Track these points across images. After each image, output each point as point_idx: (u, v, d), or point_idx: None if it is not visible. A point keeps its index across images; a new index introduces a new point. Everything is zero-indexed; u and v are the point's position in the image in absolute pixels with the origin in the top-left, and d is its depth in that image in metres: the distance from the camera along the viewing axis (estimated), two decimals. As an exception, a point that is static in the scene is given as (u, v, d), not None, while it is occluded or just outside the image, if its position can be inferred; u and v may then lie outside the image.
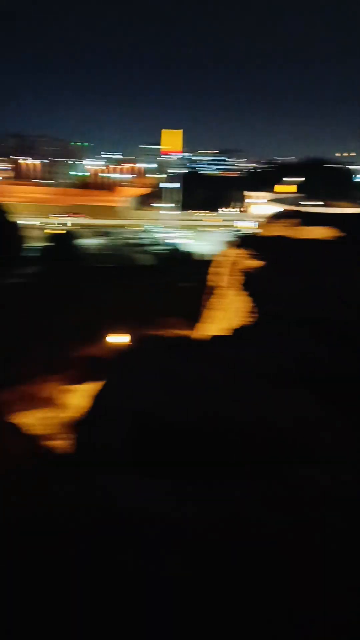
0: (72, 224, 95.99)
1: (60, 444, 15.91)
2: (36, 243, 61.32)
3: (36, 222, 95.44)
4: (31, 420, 20.39)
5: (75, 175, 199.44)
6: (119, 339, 30.94)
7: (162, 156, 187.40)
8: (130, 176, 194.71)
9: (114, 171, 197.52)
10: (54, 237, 64.56)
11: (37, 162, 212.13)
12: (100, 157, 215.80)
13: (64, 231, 75.04)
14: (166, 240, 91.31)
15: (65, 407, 24.97)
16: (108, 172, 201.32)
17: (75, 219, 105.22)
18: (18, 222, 57.81)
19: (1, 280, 53.47)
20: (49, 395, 29.56)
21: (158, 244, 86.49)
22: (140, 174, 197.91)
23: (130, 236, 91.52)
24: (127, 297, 39.86)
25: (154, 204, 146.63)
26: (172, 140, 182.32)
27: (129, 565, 7.53)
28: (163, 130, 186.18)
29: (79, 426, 13.41)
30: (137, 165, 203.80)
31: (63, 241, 62.12)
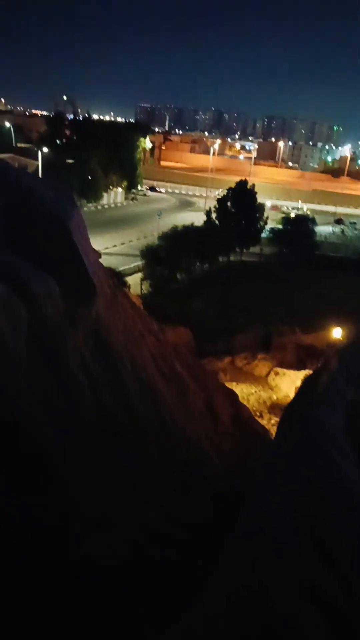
0: (309, 209, 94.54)
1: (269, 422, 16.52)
2: (273, 225, 62.46)
3: (277, 203, 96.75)
4: (245, 393, 21.47)
5: (325, 160, 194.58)
6: (338, 331, 29.99)
7: None
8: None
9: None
10: (288, 221, 64.95)
11: (288, 144, 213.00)
12: (355, 143, 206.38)
13: (300, 215, 74.69)
14: None
15: (276, 388, 25.57)
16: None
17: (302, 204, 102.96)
18: (262, 203, 59.49)
19: (239, 257, 56.52)
20: (260, 373, 30.51)
21: None
22: None
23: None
24: (353, 292, 38.17)
25: None
26: None
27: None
28: None
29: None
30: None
31: (297, 225, 62.10)
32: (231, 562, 3.61)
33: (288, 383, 28.32)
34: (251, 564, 3.25)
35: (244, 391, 27.42)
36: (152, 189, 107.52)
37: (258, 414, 25.15)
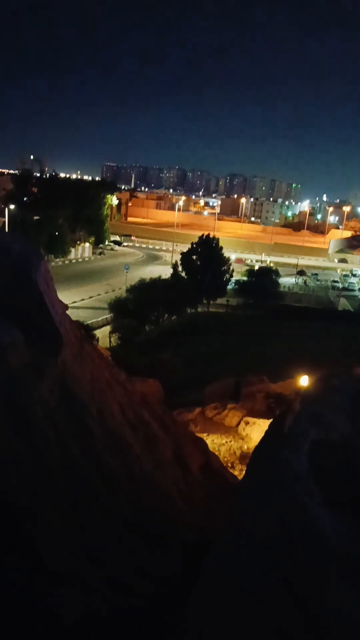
0: (272, 262, 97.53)
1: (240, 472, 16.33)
2: (238, 277, 63.98)
3: (241, 256, 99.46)
4: (215, 443, 21.21)
5: (286, 215, 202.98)
6: (305, 379, 30.38)
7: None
8: (340, 218, 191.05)
9: (326, 213, 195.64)
10: (252, 273, 66.77)
11: (250, 200, 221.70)
12: (313, 199, 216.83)
13: (264, 267, 76.93)
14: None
15: (247, 438, 25.44)
16: (319, 214, 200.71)
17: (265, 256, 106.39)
18: (226, 256, 61.21)
19: (206, 308, 57.38)
20: (230, 423, 30.36)
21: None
22: (355, 217, 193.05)
23: (332, 279, 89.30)
24: (318, 340, 38.99)
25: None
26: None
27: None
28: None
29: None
30: (350, 207, 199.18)
31: (262, 277, 63.85)
32: (200, 608, 3.52)
33: (259, 432, 28.19)
34: (221, 610, 3.18)
35: (214, 442, 27.10)
36: (117, 242, 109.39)
37: (230, 464, 24.82)
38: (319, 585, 3.31)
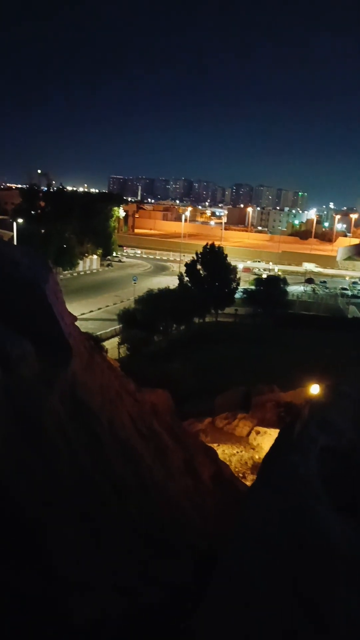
0: (280, 270, 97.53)
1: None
2: (246, 286, 64.00)
3: (248, 265, 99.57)
4: (226, 454, 21.14)
5: (293, 223, 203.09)
6: (315, 388, 30.24)
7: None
8: (347, 226, 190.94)
9: (333, 221, 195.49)
10: (261, 281, 66.71)
11: (256, 209, 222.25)
12: (320, 207, 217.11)
13: (272, 276, 76.89)
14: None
15: (258, 448, 25.33)
16: (326, 222, 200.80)
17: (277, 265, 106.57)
18: (233, 264, 61.18)
19: (215, 318, 57.38)
20: (241, 433, 30.25)
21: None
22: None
23: (341, 286, 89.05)
24: (329, 348, 38.82)
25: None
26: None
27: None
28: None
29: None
30: (357, 215, 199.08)
31: (270, 286, 63.76)
32: (210, 612, 3.55)
33: (270, 442, 27.88)
34: (231, 614, 3.21)
35: (225, 452, 27.00)
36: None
37: (241, 475, 24.68)
38: (328, 589, 3.32)
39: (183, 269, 59.64)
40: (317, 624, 3.15)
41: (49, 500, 5.92)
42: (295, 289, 78.44)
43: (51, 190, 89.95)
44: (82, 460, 7.02)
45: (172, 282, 59.40)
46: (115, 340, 42.94)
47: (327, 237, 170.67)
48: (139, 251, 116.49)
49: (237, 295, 60.32)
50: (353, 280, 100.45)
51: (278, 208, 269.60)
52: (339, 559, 3.40)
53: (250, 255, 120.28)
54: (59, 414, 7.13)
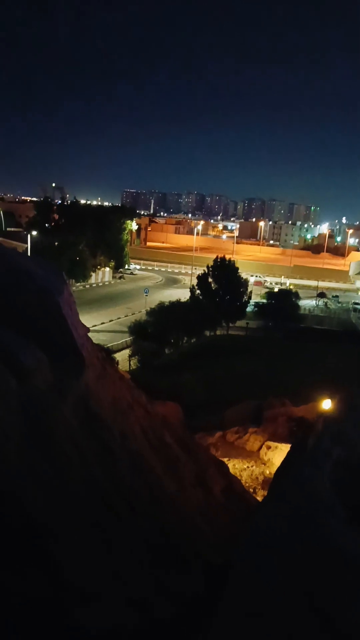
0: (291, 284, 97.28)
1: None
2: (257, 299, 63.96)
3: (260, 279, 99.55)
4: (237, 468, 20.99)
5: (305, 237, 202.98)
6: (327, 403, 29.97)
7: None
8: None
9: (345, 235, 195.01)
10: (272, 295, 66.66)
11: (268, 223, 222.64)
12: (332, 222, 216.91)
13: (283, 289, 76.71)
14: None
15: (269, 462, 25.10)
16: (338, 236, 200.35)
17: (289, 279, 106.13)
18: (245, 278, 61.25)
19: (226, 331, 57.31)
20: (251, 447, 30.01)
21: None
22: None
23: (354, 301, 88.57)
24: (341, 362, 38.54)
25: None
26: None
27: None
28: None
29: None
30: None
31: (282, 299, 63.66)
32: (223, 625, 3.52)
33: (281, 457, 27.61)
34: (244, 627, 3.18)
35: (236, 467, 26.78)
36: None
37: (252, 490, 24.44)
38: (343, 602, 3.29)
39: (194, 282, 59.80)
40: (333, 637, 3.12)
41: (59, 508, 5.93)
42: (307, 302, 78.16)
43: (65, 203, 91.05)
44: (93, 471, 7.03)
45: (183, 294, 59.57)
46: (126, 352, 43.03)
47: (339, 251, 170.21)
48: (138, 267, 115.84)
49: (249, 309, 60.27)
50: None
51: (290, 222, 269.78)
52: (354, 572, 3.37)
53: (262, 269, 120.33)
54: (71, 424, 7.16)
